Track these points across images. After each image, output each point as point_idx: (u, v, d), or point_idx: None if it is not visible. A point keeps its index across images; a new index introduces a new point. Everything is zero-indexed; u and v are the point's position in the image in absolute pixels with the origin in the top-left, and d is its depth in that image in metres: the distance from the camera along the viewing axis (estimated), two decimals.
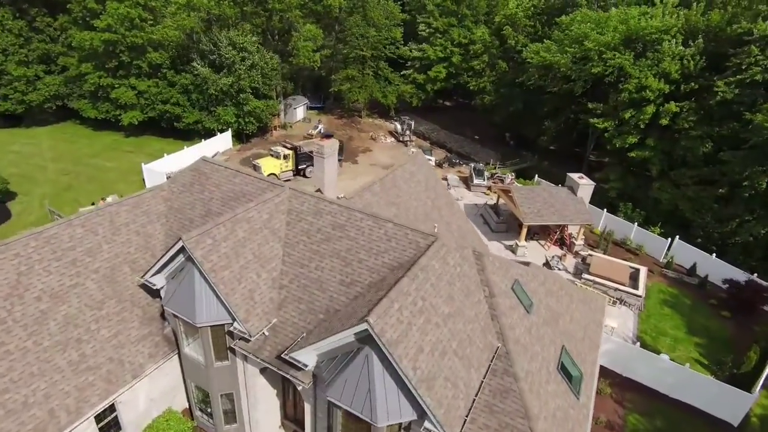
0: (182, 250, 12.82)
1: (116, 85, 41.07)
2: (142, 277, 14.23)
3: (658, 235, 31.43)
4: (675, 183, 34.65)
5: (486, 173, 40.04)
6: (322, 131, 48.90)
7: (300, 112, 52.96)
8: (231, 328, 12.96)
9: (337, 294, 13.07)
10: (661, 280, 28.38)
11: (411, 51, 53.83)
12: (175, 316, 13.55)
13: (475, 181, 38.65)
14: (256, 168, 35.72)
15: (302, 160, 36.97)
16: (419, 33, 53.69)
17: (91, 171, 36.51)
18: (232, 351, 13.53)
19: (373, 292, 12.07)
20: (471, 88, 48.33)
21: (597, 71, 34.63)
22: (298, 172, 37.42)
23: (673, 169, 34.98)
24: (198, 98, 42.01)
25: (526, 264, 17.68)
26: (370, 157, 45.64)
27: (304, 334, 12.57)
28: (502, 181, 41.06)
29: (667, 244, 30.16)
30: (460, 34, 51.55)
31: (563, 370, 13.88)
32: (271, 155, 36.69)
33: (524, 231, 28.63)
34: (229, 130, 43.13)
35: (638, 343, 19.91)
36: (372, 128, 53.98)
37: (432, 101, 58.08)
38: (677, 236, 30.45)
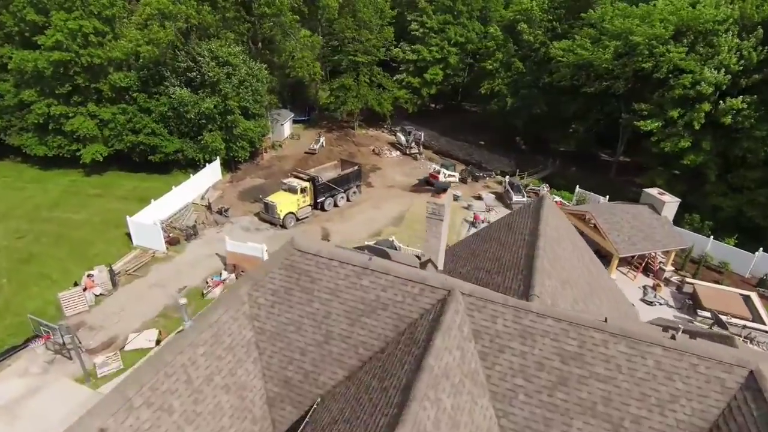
0: None
1: (71, 114, 33.13)
2: None
3: (734, 246, 28.50)
4: (732, 186, 31.98)
5: (521, 186, 35.91)
6: (324, 145, 43.17)
7: (287, 128, 46.60)
8: None
9: None
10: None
11: (404, 53, 48.78)
12: None
13: (514, 198, 34.28)
14: (268, 207, 29.53)
15: (321, 192, 31.11)
16: (411, 32, 48.75)
17: (54, 229, 28.47)
18: None
19: None
20: (482, 91, 43.81)
21: (647, 66, 31.20)
22: (316, 205, 31.52)
23: (729, 171, 32.31)
24: (177, 124, 34.84)
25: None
26: (382, 176, 40.29)
27: None
28: (536, 194, 37.07)
29: (754, 259, 27.20)
30: (457, 32, 47.22)
31: None
32: (284, 189, 30.45)
33: (615, 263, 24.54)
34: (218, 158, 36.29)
35: None
36: (369, 140, 48.51)
37: (423, 106, 53.32)
38: (761, 248, 27.56)
